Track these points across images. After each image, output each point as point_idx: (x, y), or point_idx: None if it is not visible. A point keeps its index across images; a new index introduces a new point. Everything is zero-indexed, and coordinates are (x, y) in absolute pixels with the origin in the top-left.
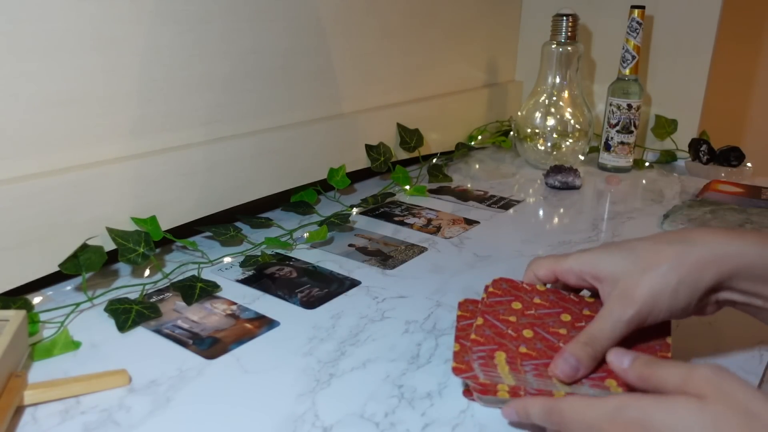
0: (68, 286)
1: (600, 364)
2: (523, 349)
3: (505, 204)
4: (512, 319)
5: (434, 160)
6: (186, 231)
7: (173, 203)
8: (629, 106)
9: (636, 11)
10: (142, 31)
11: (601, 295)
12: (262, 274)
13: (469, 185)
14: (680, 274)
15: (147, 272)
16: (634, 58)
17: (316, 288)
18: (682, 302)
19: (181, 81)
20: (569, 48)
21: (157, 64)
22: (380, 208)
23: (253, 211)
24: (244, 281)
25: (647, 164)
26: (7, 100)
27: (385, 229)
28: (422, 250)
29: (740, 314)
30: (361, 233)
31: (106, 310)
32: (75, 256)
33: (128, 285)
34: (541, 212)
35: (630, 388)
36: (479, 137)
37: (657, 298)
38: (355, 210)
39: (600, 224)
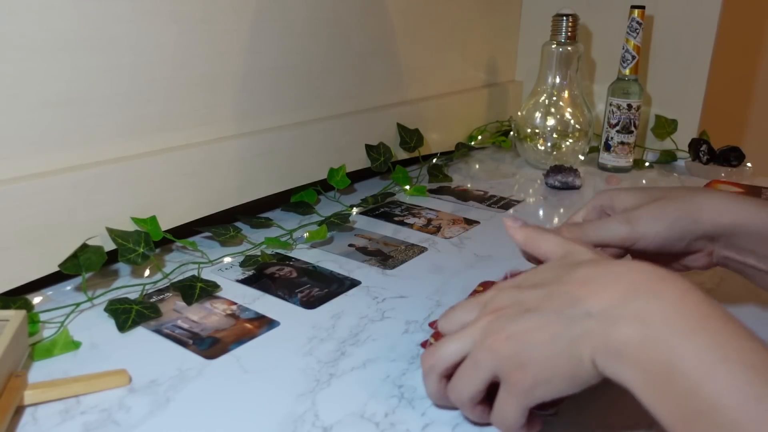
0: (68, 286)
1: None
2: None
3: (505, 204)
4: None
5: (434, 160)
6: (186, 231)
7: (173, 203)
8: (629, 106)
9: (636, 11)
10: (142, 31)
11: None
12: (262, 274)
13: (469, 185)
14: (680, 212)
15: (147, 272)
16: (634, 58)
17: (316, 288)
18: (676, 234)
19: (181, 81)
20: (569, 48)
21: (157, 64)
22: (380, 208)
23: (253, 211)
24: (244, 281)
25: (647, 164)
26: (7, 100)
27: (385, 229)
28: (422, 250)
29: (735, 309)
30: (361, 233)
31: (106, 310)
32: (75, 256)
33: (128, 285)
34: (541, 212)
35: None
36: (479, 137)
37: (653, 223)
38: (355, 210)
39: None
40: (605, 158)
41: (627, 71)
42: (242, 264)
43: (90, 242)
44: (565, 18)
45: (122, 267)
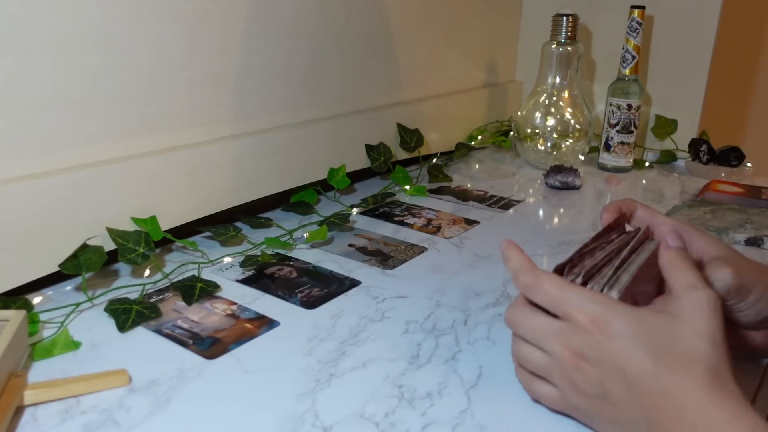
0: (68, 286)
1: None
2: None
3: (505, 204)
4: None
5: (434, 160)
6: (186, 231)
7: (173, 203)
8: (629, 106)
9: (636, 11)
10: (142, 31)
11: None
12: (262, 274)
13: (469, 185)
14: None
15: (147, 272)
16: (634, 58)
17: (316, 288)
18: (765, 306)
19: (181, 81)
20: (569, 48)
21: (157, 64)
22: (380, 208)
23: (253, 211)
24: (244, 281)
25: (647, 164)
26: (7, 100)
27: (385, 229)
28: (422, 250)
29: None
30: (361, 233)
31: (106, 310)
32: (75, 256)
33: (128, 285)
34: (541, 212)
35: None
36: (479, 137)
37: (752, 286)
38: (355, 210)
39: (600, 224)
40: (605, 158)
41: (627, 71)
42: (242, 264)
43: (90, 242)
44: (565, 18)
45: (122, 267)
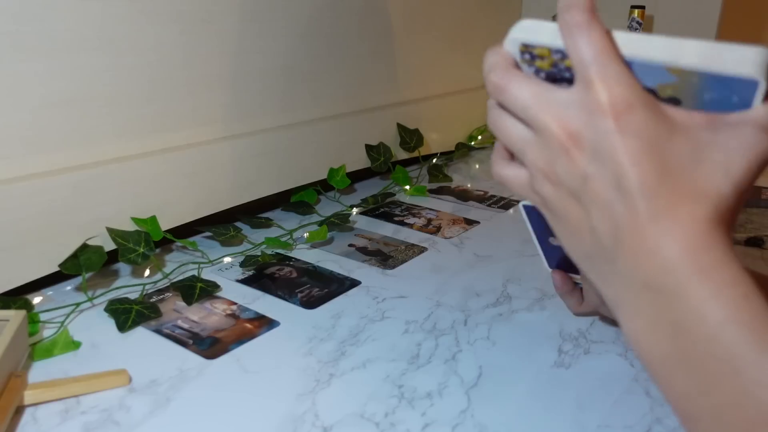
0: (68, 286)
1: None
2: None
3: (505, 204)
4: None
5: (434, 160)
6: (186, 231)
7: (173, 203)
8: None
9: (636, 11)
10: (142, 31)
11: None
12: (262, 274)
13: (469, 185)
14: None
15: (147, 272)
16: None
17: (316, 288)
18: None
19: (181, 81)
20: None
21: (157, 64)
22: (380, 208)
23: (253, 211)
24: (244, 281)
25: None
26: (8, 100)
27: (385, 229)
28: (422, 250)
29: None
30: (361, 233)
31: (106, 310)
32: (75, 256)
33: (128, 285)
34: None
35: None
36: (479, 137)
37: None
38: (355, 210)
39: None
40: None
41: None
42: (242, 264)
43: (90, 242)
44: None
45: (122, 267)
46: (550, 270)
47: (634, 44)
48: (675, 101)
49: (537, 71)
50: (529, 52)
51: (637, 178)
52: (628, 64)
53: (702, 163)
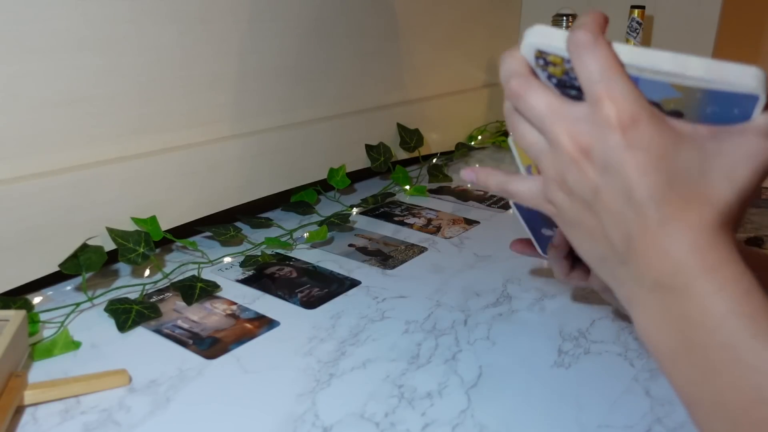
0: (68, 286)
1: None
2: None
3: (505, 204)
4: None
5: (434, 160)
6: (186, 231)
7: (173, 203)
8: None
9: (636, 11)
10: (142, 31)
11: None
12: (262, 274)
13: (469, 185)
14: None
15: (147, 272)
16: None
17: (316, 288)
18: None
19: (181, 81)
20: None
21: (157, 64)
22: (380, 208)
23: (253, 211)
24: (244, 281)
25: None
26: (7, 100)
27: (385, 229)
28: (422, 250)
29: None
30: (361, 233)
31: (106, 310)
32: (75, 256)
33: (128, 285)
34: None
35: None
36: (479, 137)
37: None
38: (355, 210)
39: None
40: None
41: None
42: (242, 264)
43: (90, 242)
44: (565, 18)
45: (122, 267)
46: (545, 257)
47: (639, 60)
48: (678, 114)
49: (549, 77)
50: (543, 58)
51: (646, 189)
52: (634, 80)
53: (707, 172)
